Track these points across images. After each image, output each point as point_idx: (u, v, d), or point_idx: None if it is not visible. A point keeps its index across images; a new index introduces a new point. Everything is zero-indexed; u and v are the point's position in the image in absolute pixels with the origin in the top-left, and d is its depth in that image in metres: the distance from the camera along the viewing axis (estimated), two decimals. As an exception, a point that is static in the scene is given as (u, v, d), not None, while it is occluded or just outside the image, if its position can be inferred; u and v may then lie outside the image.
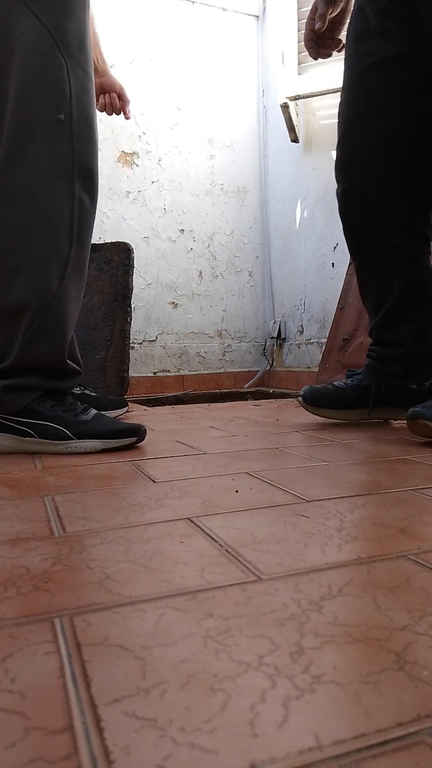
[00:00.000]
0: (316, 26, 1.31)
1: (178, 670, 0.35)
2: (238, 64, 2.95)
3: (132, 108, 1.71)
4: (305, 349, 2.76)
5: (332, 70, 2.34)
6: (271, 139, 2.97)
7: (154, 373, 2.81)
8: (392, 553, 0.53)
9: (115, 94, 1.66)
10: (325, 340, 2.31)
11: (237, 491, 0.77)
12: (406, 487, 0.78)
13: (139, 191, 2.75)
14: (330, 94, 2.46)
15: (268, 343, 3.06)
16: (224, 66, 2.91)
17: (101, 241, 2.32)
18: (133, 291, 2.10)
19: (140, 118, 2.71)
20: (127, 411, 1.64)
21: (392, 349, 1.35)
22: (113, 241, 2.26)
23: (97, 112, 1.29)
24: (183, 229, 2.85)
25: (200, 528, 0.62)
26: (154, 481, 0.85)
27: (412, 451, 1.04)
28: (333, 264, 2.55)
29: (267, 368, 3.03)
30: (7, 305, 1.05)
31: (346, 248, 1.42)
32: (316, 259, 2.67)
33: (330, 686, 0.33)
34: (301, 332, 2.81)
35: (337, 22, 1.32)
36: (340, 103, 1.32)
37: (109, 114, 1.68)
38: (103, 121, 2.45)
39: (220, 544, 0.57)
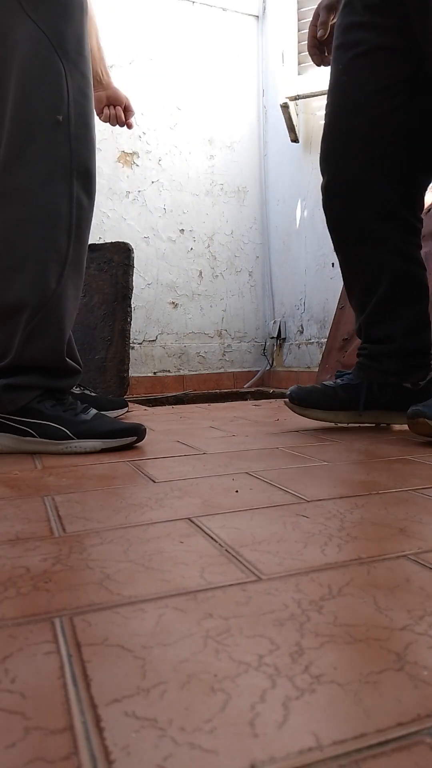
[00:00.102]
0: (318, 34, 1.31)
1: (178, 670, 0.35)
2: (238, 64, 2.95)
3: (131, 101, 1.72)
4: (305, 349, 2.76)
5: (332, 70, 2.34)
6: (271, 139, 2.98)
7: (154, 373, 2.81)
8: (392, 553, 0.53)
9: (120, 107, 1.67)
10: (325, 340, 2.31)
11: (237, 491, 0.77)
12: (406, 487, 0.78)
13: (139, 191, 2.75)
14: (330, 94, 2.46)
15: (268, 343, 3.06)
16: (224, 66, 2.91)
17: (101, 241, 2.32)
18: (133, 291, 2.10)
19: (140, 118, 2.71)
20: (127, 411, 1.65)
21: (383, 345, 1.28)
22: (113, 241, 2.26)
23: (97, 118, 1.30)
24: (183, 229, 2.85)
25: (200, 528, 0.62)
26: (154, 481, 0.85)
27: (412, 451, 1.04)
28: (333, 264, 2.55)
29: (267, 368, 3.03)
30: (6, 303, 1.06)
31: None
32: (316, 259, 2.67)
33: (330, 686, 0.33)
34: (301, 332, 2.81)
35: None
36: (328, 95, 1.27)
37: (113, 125, 1.70)
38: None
39: (220, 544, 0.57)
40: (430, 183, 1.29)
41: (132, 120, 1.71)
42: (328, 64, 1.33)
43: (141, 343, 2.78)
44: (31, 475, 0.91)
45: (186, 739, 0.29)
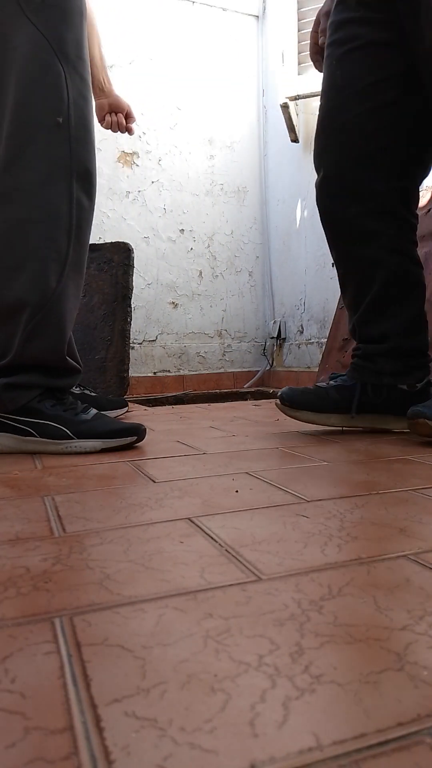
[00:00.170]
0: (320, 41, 1.30)
1: (178, 670, 0.35)
2: (238, 64, 2.95)
3: (132, 108, 1.75)
4: (305, 349, 2.76)
5: (332, 70, 2.34)
6: (271, 139, 2.98)
7: (154, 373, 2.81)
8: (392, 553, 0.53)
9: (121, 114, 1.70)
10: (325, 340, 2.31)
11: (237, 491, 0.77)
12: (406, 487, 0.78)
13: (139, 191, 2.75)
14: (330, 94, 2.46)
15: (268, 343, 3.06)
16: (224, 66, 2.91)
17: (101, 241, 2.32)
18: (133, 291, 2.10)
19: (140, 118, 2.71)
20: (127, 411, 1.65)
21: (378, 345, 1.23)
22: (113, 241, 2.26)
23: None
24: (183, 229, 2.85)
25: (200, 528, 0.62)
26: (154, 481, 0.85)
27: (412, 451, 1.04)
28: (333, 264, 2.54)
29: (267, 368, 3.03)
30: (7, 302, 1.07)
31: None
32: (316, 259, 2.67)
33: (330, 686, 0.33)
34: (301, 332, 2.81)
35: None
36: (321, 91, 1.25)
37: (115, 131, 1.73)
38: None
39: (220, 544, 0.57)
40: (425, 177, 1.26)
41: (132, 126, 1.74)
42: None
43: (141, 343, 2.78)
44: (31, 475, 0.91)
45: (186, 739, 0.29)
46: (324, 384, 1.26)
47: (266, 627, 0.40)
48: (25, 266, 1.06)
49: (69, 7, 1.07)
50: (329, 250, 1.31)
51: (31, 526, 0.64)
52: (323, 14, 1.30)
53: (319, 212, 1.28)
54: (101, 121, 1.70)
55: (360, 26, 1.17)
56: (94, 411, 1.14)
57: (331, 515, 0.66)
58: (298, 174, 2.75)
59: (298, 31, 2.56)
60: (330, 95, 1.22)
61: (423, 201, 1.84)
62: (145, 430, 1.13)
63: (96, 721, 0.30)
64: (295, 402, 1.23)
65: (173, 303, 2.86)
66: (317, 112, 1.29)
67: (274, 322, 2.98)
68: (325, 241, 1.33)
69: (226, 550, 0.55)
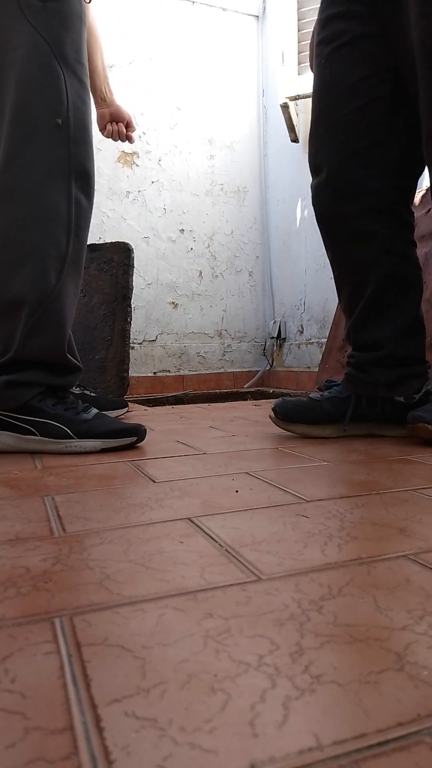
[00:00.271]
0: None
1: (178, 670, 0.35)
2: (238, 64, 2.95)
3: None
4: (305, 349, 2.76)
5: (332, 70, 2.34)
6: (271, 139, 2.98)
7: (154, 373, 2.81)
8: (392, 553, 0.53)
9: (122, 123, 1.73)
10: (325, 340, 2.31)
11: (237, 491, 0.77)
12: (406, 487, 0.78)
13: (139, 191, 2.75)
14: (330, 94, 2.46)
15: (268, 343, 3.06)
16: (224, 66, 2.91)
17: (101, 241, 2.32)
18: (133, 291, 2.10)
19: (140, 118, 2.71)
20: (127, 411, 1.65)
21: (371, 353, 1.18)
22: (113, 241, 2.26)
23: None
24: (183, 229, 2.85)
25: (200, 528, 0.62)
26: (154, 481, 0.85)
27: (412, 451, 1.04)
28: (333, 264, 2.54)
29: (267, 368, 3.03)
30: (7, 299, 1.08)
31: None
32: (316, 259, 2.67)
33: (330, 686, 0.33)
34: (301, 332, 2.81)
35: None
36: (312, 91, 1.22)
37: (115, 140, 1.76)
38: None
39: (220, 544, 0.57)
40: (421, 174, 1.22)
41: (132, 135, 1.77)
42: None
43: (141, 343, 2.78)
44: (31, 475, 0.91)
45: (186, 739, 0.29)
46: (318, 396, 1.22)
47: (266, 627, 0.40)
48: (25, 263, 1.06)
49: (69, 12, 1.08)
50: (326, 250, 1.28)
51: (31, 526, 0.64)
52: None
53: (315, 212, 1.26)
54: (102, 130, 1.73)
55: (346, 21, 1.14)
56: (94, 411, 1.14)
57: (331, 515, 0.66)
58: (298, 174, 2.75)
59: (298, 31, 2.56)
60: (321, 95, 1.20)
61: (423, 201, 1.84)
62: (145, 430, 1.13)
63: (96, 721, 0.30)
64: (289, 415, 1.20)
65: (173, 303, 2.86)
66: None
67: (274, 322, 2.98)
68: (326, 241, 1.30)
69: (226, 550, 0.55)
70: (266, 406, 1.92)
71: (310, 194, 1.27)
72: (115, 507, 0.71)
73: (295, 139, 2.68)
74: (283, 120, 2.65)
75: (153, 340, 2.82)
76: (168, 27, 2.77)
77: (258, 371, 3.03)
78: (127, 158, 2.72)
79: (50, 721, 0.30)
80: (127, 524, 0.64)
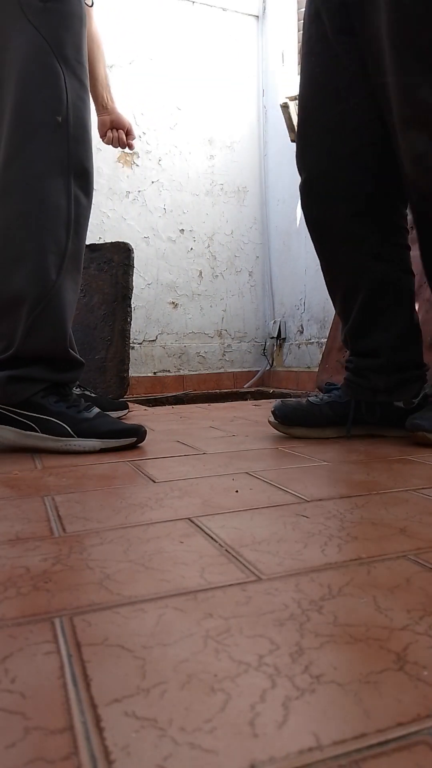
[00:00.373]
0: None
1: (178, 670, 0.35)
2: (238, 64, 2.95)
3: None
4: (305, 349, 2.76)
5: (332, 70, 2.34)
6: (271, 139, 2.98)
7: (154, 373, 2.81)
8: (392, 553, 0.53)
9: (122, 130, 1.75)
10: (325, 340, 2.31)
11: (237, 491, 0.77)
12: (406, 487, 0.78)
13: (139, 191, 2.75)
14: (330, 94, 2.46)
15: (268, 343, 3.06)
16: (224, 66, 2.91)
17: (101, 241, 2.32)
18: (133, 291, 2.10)
19: (140, 118, 2.71)
20: (127, 412, 1.65)
21: (370, 360, 1.17)
22: (113, 241, 2.26)
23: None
24: (183, 229, 2.85)
25: (200, 528, 0.62)
26: (154, 481, 0.85)
27: (412, 451, 1.04)
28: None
29: (267, 368, 3.03)
30: (8, 295, 1.08)
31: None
32: (316, 259, 2.63)
33: (330, 686, 0.33)
34: (301, 332, 2.81)
35: None
36: (300, 90, 1.19)
37: (115, 147, 1.78)
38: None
39: (220, 544, 0.57)
40: None
41: (132, 143, 1.79)
42: None
43: (141, 343, 2.78)
44: (31, 474, 0.91)
45: (186, 739, 0.29)
46: (317, 399, 1.22)
47: (266, 627, 0.40)
48: (26, 259, 1.07)
49: (69, 12, 1.09)
50: (317, 255, 1.26)
51: (31, 526, 0.64)
52: None
53: (304, 216, 1.23)
54: (103, 137, 1.74)
55: (333, 15, 1.10)
56: (96, 409, 1.14)
57: (331, 515, 0.66)
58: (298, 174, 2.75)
59: (298, 31, 2.56)
60: (309, 94, 1.17)
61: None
62: (145, 431, 1.13)
63: (96, 721, 0.30)
64: (288, 418, 1.20)
65: (173, 303, 2.86)
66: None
67: (274, 322, 2.98)
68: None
69: (226, 550, 0.55)
70: (266, 406, 1.92)
71: (310, 195, 1.25)
72: (115, 507, 0.71)
73: (295, 139, 2.68)
74: (283, 120, 2.65)
75: (153, 340, 2.82)
76: (168, 27, 2.77)
77: (258, 371, 3.03)
78: (127, 158, 2.72)
79: (50, 721, 0.30)
80: (127, 524, 0.64)
